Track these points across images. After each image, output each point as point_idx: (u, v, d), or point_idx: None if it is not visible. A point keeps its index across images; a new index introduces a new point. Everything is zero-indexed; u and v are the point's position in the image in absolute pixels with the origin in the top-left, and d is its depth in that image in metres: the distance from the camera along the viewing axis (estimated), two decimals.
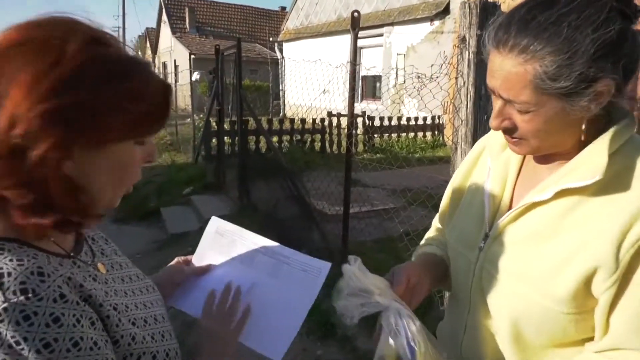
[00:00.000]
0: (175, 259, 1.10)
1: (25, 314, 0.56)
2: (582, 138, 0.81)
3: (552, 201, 0.83)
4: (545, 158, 0.91)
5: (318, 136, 9.03)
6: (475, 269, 0.94)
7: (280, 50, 16.82)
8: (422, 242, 1.24)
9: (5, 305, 0.56)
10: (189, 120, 9.42)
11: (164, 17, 26.85)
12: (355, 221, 4.01)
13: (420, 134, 9.91)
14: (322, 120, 8.92)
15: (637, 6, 0.74)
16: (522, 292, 0.84)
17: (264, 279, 1.02)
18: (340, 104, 6.74)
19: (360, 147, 9.18)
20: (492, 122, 0.84)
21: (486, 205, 0.96)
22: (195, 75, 9.18)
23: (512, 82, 0.78)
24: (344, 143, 9.49)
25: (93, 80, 0.60)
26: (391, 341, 0.88)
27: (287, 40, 16.19)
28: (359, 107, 10.78)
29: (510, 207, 0.93)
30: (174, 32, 24.91)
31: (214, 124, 7.19)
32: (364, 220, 4.11)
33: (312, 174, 5.07)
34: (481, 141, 1.10)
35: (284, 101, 15.24)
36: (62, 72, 0.58)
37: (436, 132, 10.05)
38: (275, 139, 8.59)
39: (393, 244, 3.46)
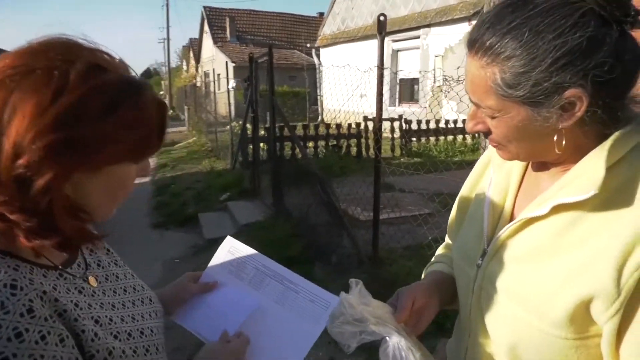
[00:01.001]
0: (184, 275, 1.11)
1: None
2: (557, 151, 0.75)
3: (551, 216, 0.78)
4: (544, 165, 0.86)
5: (354, 141, 8.99)
6: (474, 288, 0.89)
7: (318, 56, 16.92)
8: (433, 259, 1.20)
9: None
10: (228, 127, 9.61)
11: (206, 27, 27.67)
12: (387, 227, 3.96)
13: (459, 137, 9.66)
14: (358, 124, 8.88)
15: (630, 10, 0.68)
16: (519, 314, 0.79)
17: (270, 304, 1.01)
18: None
19: (397, 151, 9.07)
20: (467, 124, 0.82)
21: (485, 218, 0.92)
22: (232, 83, 9.37)
23: (476, 85, 0.75)
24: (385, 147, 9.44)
25: (93, 112, 0.62)
26: None
27: (324, 46, 16.27)
28: (396, 111, 10.67)
29: (510, 221, 0.87)
30: (215, 42, 25.61)
31: (250, 130, 7.30)
32: (396, 227, 4.04)
33: (347, 179, 5.05)
34: (489, 150, 1.06)
35: (321, 106, 15.29)
36: (65, 104, 0.60)
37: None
38: (310, 144, 8.63)
39: (423, 250, 3.38)
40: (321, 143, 8.80)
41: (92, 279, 0.79)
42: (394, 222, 4.07)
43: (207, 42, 27.91)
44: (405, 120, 9.35)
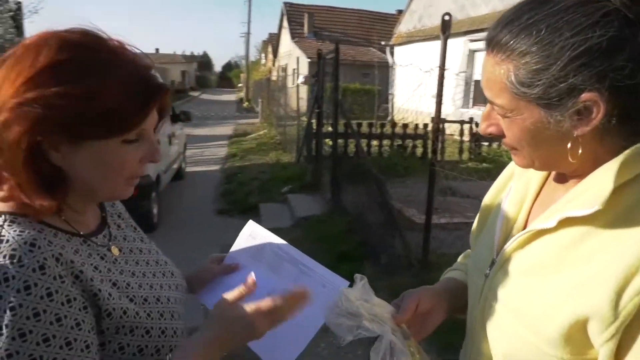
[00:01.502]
0: (209, 257, 1.16)
1: (6, 276, 0.65)
2: (571, 159, 0.72)
3: (559, 230, 0.74)
4: (563, 177, 0.82)
5: (421, 141, 8.81)
6: (481, 298, 0.88)
7: (392, 54, 16.71)
8: (453, 266, 1.18)
9: None
10: (296, 121, 9.83)
11: (285, 22, 28.31)
12: (441, 231, 3.87)
13: None
14: (425, 125, 8.69)
15: None
16: (517, 329, 0.77)
17: (285, 287, 1.05)
18: (450, 109, 6.51)
19: (466, 155, 8.76)
20: (480, 125, 0.80)
21: (497, 228, 0.89)
22: (301, 79, 9.54)
23: (491, 82, 0.73)
24: (448, 150, 9.13)
25: (59, 80, 0.70)
26: None
27: (399, 44, 16.03)
28: (469, 113, 10.28)
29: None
30: (292, 37, 26.15)
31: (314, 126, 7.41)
32: (450, 232, 3.94)
33: (409, 180, 4.99)
34: None
35: (392, 105, 15.11)
36: (32, 72, 0.70)
37: None
38: (375, 142, 8.58)
39: None
40: (386, 142, 8.71)
41: (114, 249, 0.87)
42: (448, 227, 3.97)
43: (285, 37, 28.56)
44: (477, 123, 9.00)
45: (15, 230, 0.70)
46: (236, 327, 0.81)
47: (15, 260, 0.66)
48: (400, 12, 19.81)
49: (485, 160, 8.42)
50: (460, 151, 8.73)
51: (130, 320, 0.78)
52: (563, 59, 0.65)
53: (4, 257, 0.66)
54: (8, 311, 0.64)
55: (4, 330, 0.64)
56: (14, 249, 0.67)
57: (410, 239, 3.80)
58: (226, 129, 16.26)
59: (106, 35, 0.77)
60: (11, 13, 14.53)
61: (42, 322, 0.66)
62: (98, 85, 0.71)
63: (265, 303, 0.82)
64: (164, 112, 0.86)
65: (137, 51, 0.80)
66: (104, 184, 0.79)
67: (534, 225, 0.78)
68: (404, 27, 16.01)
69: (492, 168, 6.90)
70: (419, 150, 8.72)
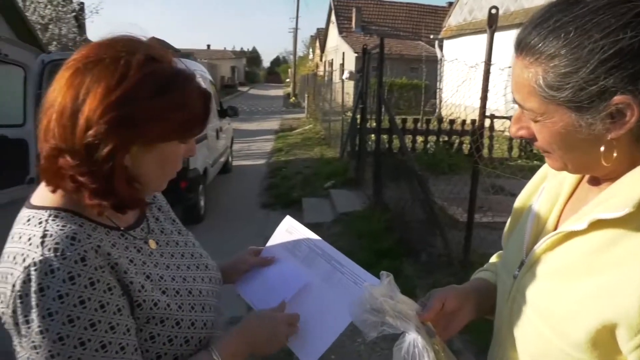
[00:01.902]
0: (247, 249, 1.21)
1: (51, 268, 0.70)
2: (605, 163, 0.69)
3: (590, 232, 0.72)
4: (596, 179, 0.80)
5: (468, 138, 8.58)
6: (509, 299, 0.87)
7: (441, 48, 16.33)
8: (484, 266, 1.16)
9: (40, 258, 0.71)
10: (341, 116, 9.84)
11: (333, 17, 28.28)
12: (485, 231, 3.76)
13: None
14: (473, 121, 8.44)
15: None
16: (543, 331, 0.76)
17: (317, 282, 1.07)
18: (501, 105, 6.29)
19: (515, 152, 8.45)
20: (510, 128, 0.79)
21: (527, 229, 0.88)
22: (346, 74, 9.52)
23: (520, 86, 0.72)
24: (497, 146, 8.83)
25: (147, 94, 0.75)
26: None
27: (448, 37, 15.63)
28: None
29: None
30: (340, 32, 26.10)
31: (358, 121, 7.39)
32: (494, 231, 3.82)
33: (454, 177, 4.89)
34: None
35: (440, 100, 14.78)
36: (126, 87, 0.74)
37: None
38: (421, 139, 8.44)
39: None
40: (432, 138, 8.54)
41: (152, 242, 0.92)
42: (493, 226, 3.85)
43: (333, 32, 28.54)
44: None
45: (57, 225, 0.75)
46: (259, 338, 0.94)
47: (58, 253, 0.71)
48: (450, 4, 19.28)
49: (535, 157, 8.08)
50: (510, 148, 8.43)
51: (161, 311, 0.82)
52: (593, 62, 0.63)
53: (49, 250, 0.72)
54: (57, 299, 0.70)
55: (55, 317, 0.69)
56: (57, 243, 0.72)
57: (451, 238, 3.73)
58: (273, 124, 16.52)
59: (161, 44, 0.83)
60: (74, 13, 15.39)
61: (88, 308, 0.71)
62: (183, 95, 0.78)
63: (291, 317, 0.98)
64: None
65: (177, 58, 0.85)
66: (159, 179, 0.87)
67: (565, 227, 0.76)
68: (454, 20, 15.59)
69: (540, 166, 6.63)
70: (466, 147, 8.49)
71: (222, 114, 7.64)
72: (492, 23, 3.03)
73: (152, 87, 0.75)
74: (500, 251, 1.15)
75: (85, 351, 0.71)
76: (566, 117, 0.69)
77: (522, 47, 0.71)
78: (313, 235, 1.15)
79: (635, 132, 0.67)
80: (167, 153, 0.83)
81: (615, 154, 0.69)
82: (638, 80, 0.62)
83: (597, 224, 0.71)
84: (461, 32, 14.42)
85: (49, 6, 14.23)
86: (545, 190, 0.89)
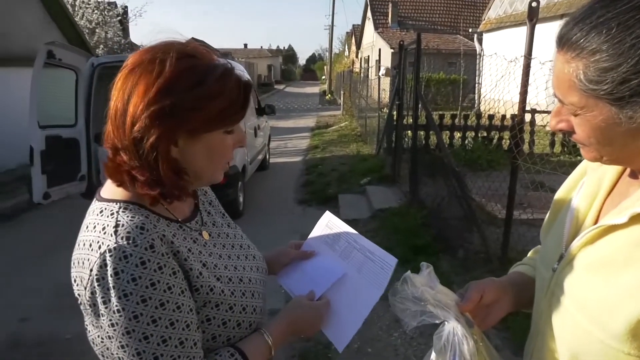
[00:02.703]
0: (289, 242, 1.28)
1: (125, 254, 0.77)
2: None
3: (630, 226, 0.74)
4: (636, 173, 0.80)
5: (507, 133, 8.38)
6: (547, 292, 0.88)
7: (480, 41, 15.93)
8: (522, 260, 1.18)
9: (115, 245, 0.78)
10: (377, 113, 9.81)
11: (369, 13, 28.09)
12: (524, 227, 3.70)
13: None
14: (513, 116, 8.23)
15: None
16: (582, 324, 0.77)
17: (352, 273, 1.13)
18: (542, 99, 6.11)
19: (557, 147, 8.18)
20: (550, 121, 0.81)
21: (567, 223, 0.89)
22: (382, 71, 9.48)
23: (561, 80, 0.74)
24: (539, 142, 8.57)
25: (182, 87, 0.81)
26: (434, 355, 0.89)
27: (488, 31, 15.23)
28: None
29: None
30: (376, 28, 25.90)
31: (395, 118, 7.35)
32: (534, 228, 3.75)
33: (494, 173, 4.81)
34: None
35: (479, 95, 14.45)
36: (162, 82, 0.80)
37: None
38: (458, 135, 8.31)
39: None
40: (470, 134, 8.39)
41: (205, 233, 0.99)
42: (532, 223, 3.77)
43: (369, 28, 28.36)
44: None
45: (127, 216, 0.83)
46: (302, 323, 1.04)
47: (130, 241, 0.79)
48: None
49: (578, 152, 7.78)
50: (552, 143, 8.17)
51: (216, 296, 0.89)
52: (634, 57, 0.65)
53: (122, 238, 0.79)
54: (131, 282, 0.77)
55: (130, 297, 0.77)
56: (128, 232, 0.80)
57: (489, 234, 3.68)
58: (309, 121, 16.62)
59: (195, 43, 0.88)
60: (119, 17, 16.01)
61: (158, 290, 0.79)
62: (218, 85, 0.83)
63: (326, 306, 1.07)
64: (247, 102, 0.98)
65: (218, 54, 0.92)
66: (210, 170, 0.91)
67: (605, 221, 0.78)
68: (493, 12, 15.18)
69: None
70: (506, 143, 8.29)
71: (260, 112, 7.79)
72: (533, 16, 2.97)
73: (187, 79, 0.81)
74: (538, 246, 1.16)
75: (156, 328, 0.78)
76: (606, 110, 0.70)
77: (563, 42, 0.72)
78: (351, 230, 1.20)
79: None
80: (213, 143, 0.87)
81: None
82: None
83: (638, 218, 0.72)
84: (501, 25, 14.03)
85: (95, 11, 14.87)
86: (585, 185, 0.90)
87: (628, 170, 0.84)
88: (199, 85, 0.81)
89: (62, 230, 5.43)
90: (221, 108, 0.84)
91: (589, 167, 0.91)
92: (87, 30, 13.99)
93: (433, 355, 0.89)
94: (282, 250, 1.24)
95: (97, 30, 14.95)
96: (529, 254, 1.18)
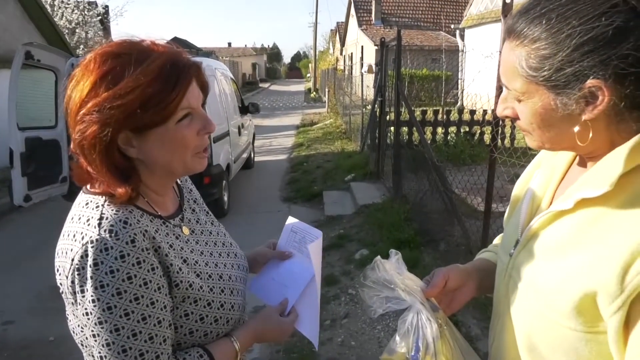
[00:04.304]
0: (267, 242, 1.29)
1: (106, 246, 0.79)
2: (580, 142, 0.75)
3: (576, 211, 0.78)
4: (583, 161, 0.85)
5: (489, 128, 8.50)
6: (505, 276, 0.93)
7: (462, 37, 16.10)
8: (487, 247, 1.23)
9: (97, 237, 0.80)
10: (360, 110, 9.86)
11: (352, 11, 28.14)
12: (501, 219, 3.76)
13: None
14: (494, 111, 8.35)
15: None
16: (534, 305, 0.82)
17: (319, 272, 1.17)
18: None
19: None
20: (497, 108, 0.85)
21: (522, 210, 0.94)
22: (365, 67, 9.53)
23: (506, 67, 0.78)
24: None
25: (102, 88, 0.82)
26: (398, 339, 0.93)
27: (470, 27, 15.40)
28: None
29: None
30: (360, 25, 25.96)
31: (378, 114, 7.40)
32: None
33: (475, 168, 4.89)
34: None
35: (462, 90, 14.61)
36: (88, 87, 0.83)
37: None
38: (441, 130, 8.40)
39: None
40: (453, 129, 8.50)
41: (186, 229, 1.01)
42: None
43: (353, 25, 28.42)
44: None
45: (112, 209, 0.85)
46: (269, 336, 1.09)
47: (113, 234, 0.81)
48: None
49: None
50: None
51: (195, 292, 0.92)
52: (569, 46, 0.69)
53: (105, 231, 0.82)
54: (108, 274, 0.80)
55: (105, 288, 0.80)
56: (111, 225, 0.82)
57: (470, 227, 3.76)
58: (294, 119, 16.64)
59: (139, 39, 0.89)
60: (99, 17, 15.79)
61: (134, 284, 0.81)
62: (132, 80, 0.83)
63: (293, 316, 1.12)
64: (205, 88, 0.96)
65: (167, 44, 0.91)
66: (176, 161, 0.91)
67: (554, 207, 0.82)
68: (474, 8, 15.35)
69: None
70: (488, 137, 8.41)
71: (244, 110, 7.79)
72: (507, 12, 3.04)
73: (109, 78, 0.82)
74: (502, 234, 1.21)
75: (128, 321, 0.81)
76: (545, 96, 0.75)
77: (509, 32, 0.77)
78: (314, 230, 1.23)
79: (611, 115, 0.72)
80: (166, 136, 0.87)
81: (590, 135, 0.74)
82: (609, 66, 0.68)
83: (582, 203, 0.76)
84: (482, 21, 14.19)
85: (75, 10, 14.65)
86: (539, 174, 0.95)
87: (577, 159, 0.89)
88: (113, 85, 0.82)
89: (44, 232, 5.37)
90: (142, 100, 0.83)
91: (543, 159, 0.96)
92: (67, 31, 13.80)
93: (397, 338, 0.93)
94: (259, 251, 1.26)
95: (77, 31, 14.75)
96: (494, 241, 1.23)
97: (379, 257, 1.01)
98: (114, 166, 0.86)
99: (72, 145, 0.88)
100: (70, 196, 5.13)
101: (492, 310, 1.07)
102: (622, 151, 0.73)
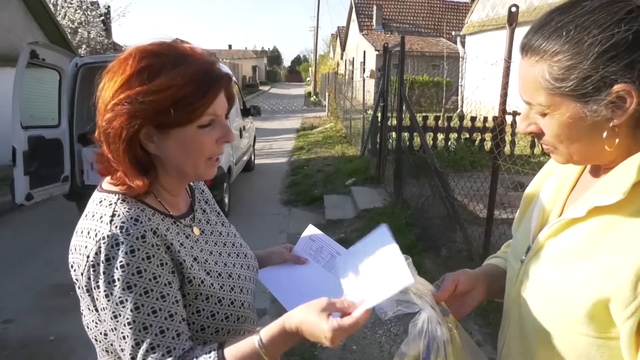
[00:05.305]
0: (283, 245, 1.31)
1: (117, 241, 0.82)
2: (608, 148, 0.76)
3: (589, 219, 0.80)
4: (596, 169, 0.86)
5: (489, 135, 8.53)
6: (517, 282, 0.94)
7: (463, 44, 16.17)
8: (496, 253, 1.24)
9: (109, 233, 0.83)
10: (361, 115, 9.89)
11: (353, 15, 28.25)
12: (503, 225, 3.78)
13: None
14: (495, 118, 8.39)
15: None
16: (547, 310, 0.83)
17: (336, 283, 1.17)
18: (522, 102, 6.23)
19: (538, 149, 8.36)
20: (518, 125, 0.86)
21: (534, 217, 0.95)
22: (367, 72, 9.57)
23: (527, 83, 0.79)
24: (520, 143, 8.75)
25: (137, 83, 0.85)
26: (409, 342, 0.94)
27: (471, 34, 15.48)
28: None
29: None
30: (361, 30, 26.06)
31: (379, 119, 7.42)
32: None
33: (476, 174, 4.91)
34: None
35: (462, 97, 14.68)
36: (122, 79, 0.86)
37: None
38: (441, 136, 8.43)
39: None
40: (453, 136, 8.53)
41: (196, 230, 1.03)
42: (512, 222, 3.87)
43: (354, 30, 28.52)
44: None
45: (124, 207, 0.88)
46: (315, 331, 0.84)
47: (124, 230, 0.84)
48: (472, 0, 19.10)
49: None
50: (532, 145, 8.35)
51: (206, 289, 0.94)
52: (593, 54, 0.71)
53: (116, 227, 0.84)
54: (119, 268, 0.82)
55: (117, 283, 0.82)
56: (123, 222, 0.85)
57: (471, 233, 3.77)
58: (294, 123, 16.65)
59: (178, 42, 0.93)
60: (102, 17, 15.82)
61: (144, 278, 0.83)
62: (168, 80, 0.86)
63: (348, 321, 0.84)
64: (231, 99, 0.99)
65: (203, 51, 0.94)
66: (189, 164, 0.94)
67: (567, 214, 0.83)
68: (476, 16, 15.43)
69: None
70: (488, 144, 8.45)
71: (245, 113, 7.80)
72: (513, 21, 3.07)
73: (142, 76, 0.86)
74: (510, 240, 1.22)
75: (139, 315, 0.83)
76: (572, 107, 0.76)
77: (526, 49, 0.78)
78: (332, 242, 1.26)
79: (632, 121, 0.74)
80: (185, 139, 0.91)
81: (617, 140, 0.75)
82: (634, 69, 0.70)
83: (595, 211, 0.78)
84: (483, 28, 14.27)
85: (78, 10, 14.67)
86: (551, 182, 0.96)
87: (588, 167, 0.91)
88: (149, 81, 0.86)
89: (46, 231, 5.37)
90: (173, 100, 0.86)
91: (555, 166, 0.98)
92: (69, 30, 13.80)
93: (409, 341, 0.94)
94: (276, 250, 1.28)
95: (79, 30, 14.76)
96: (502, 247, 1.25)
97: None
98: (135, 158, 0.89)
99: (96, 133, 0.91)
100: (72, 196, 5.14)
101: (493, 316, 1.08)
102: (635, 160, 0.74)
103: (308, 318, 0.84)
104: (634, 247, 0.71)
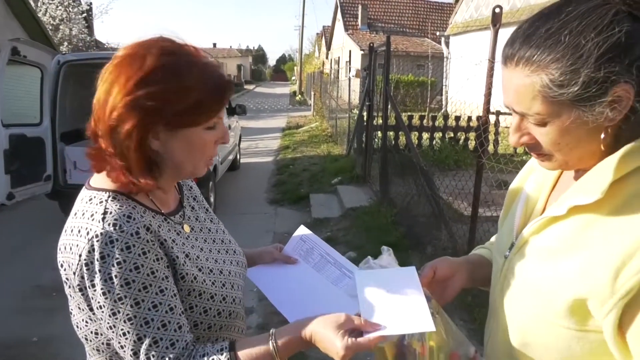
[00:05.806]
0: (274, 244, 1.33)
1: (111, 239, 0.82)
2: (602, 148, 0.77)
3: (569, 217, 0.82)
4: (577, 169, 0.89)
5: (473, 134, 8.65)
6: (501, 277, 0.96)
7: (447, 44, 16.34)
8: (483, 244, 1.27)
9: (102, 231, 0.82)
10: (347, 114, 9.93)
11: (339, 15, 28.30)
12: (487, 223, 3.84)
13: None
14: (478, 118, 8.50)
15: None
16: (529, 304, 0.86)
17: (329, 285, 1.19)
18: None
19: (521, 148, 8.50)
20: (510, 138, 0.84)
21: (517, 214, 0.97)
22: (352, 72, 9.61)
23: (522, 95, 0.77)
24: (504, 142, 8.89)
25: (157, 81, 0.84)
26: None
27: (455, 34, 15.64)
28: None
29: None
30: (346, 29, 26.13)
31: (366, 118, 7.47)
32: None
33: (460, 173, 4.98)
34: None
35: (446, 97, 14.82)
36: (140, 75, 0.84)
37: None
38: (426, 135, 8.51)
39: None
40: (438, 135, 8.62)
41: (186, 227, 1.04)
42: (496, 219, 3.91)
43: (339, 29, 28.57)
44: None
45: (116, 205, 0.87)
46: (328, 346, 0.87)
47: (117, 228, 0.84)
48: (456, 1, 19.29)
49: None
50: None
51: (199, 285, 0.94)
52: (593, 57, 0.71)
53: (109, 225, 0.84)
54: (115, 265, 0.82)
55: (114, 280, 0.82)
56: (115, 219, 0.85)
57: (456, 231, 3.83)
58: (279, 122, 16.60)
59: (183, 42, 0.92)
60: (84, 14, 15.56)
61: (141, 273, 0.83)
62: (190, 82, 0.86)
63: (363, 342, 0.86)
64: (228, 102, 1.01)
65: (207, 54, 0.95)
66: (190, 164, 0.95)
67: (548, 213, 0.86)
68: (460, 16, 15.60)
69: None
70: (472, 143, 8.56)
71: (231, 112, 7.77)
72: (497, 22, 3.12)
73: (163, 74, 0.85)
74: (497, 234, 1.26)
75: (139, 310, 0.83)
76: (574, 112, 0.75)
77: (517, 60, 0.77)
78: (323, 243, 1.27)
79: (625, 116, 0.75)
80: (192, 139, 0.91)
81: (609, 140, 0.77)
82: (632, 68, 0.71)
83: (575, 210, 0.80)
84: (467, 28, 14.44)
85: (59, 7, 14.42)
86: (533, 180, 0.99)
87: None
88: (173, 80, 0.85)
89: (28, 231, 5.28)
90: (194, 102, 0.87)
91: (536, 164, 0.99)
92: (50, 27, 13.56)
93: None
94: (266, 249, 1.29)
95: (61, 27, 14.50)
96: (491, 239, 1.28)
97: (369, 257, 1.06)
98: (146, 155, 0.89)
99: (91, 129, 0.89)
100: (54, 195, 5.05)
101: (478, 312, 1.12)
102: (612, 160, 0.76)
103: (324, 331, 0.88)
104: (611, 245, 0.73)
